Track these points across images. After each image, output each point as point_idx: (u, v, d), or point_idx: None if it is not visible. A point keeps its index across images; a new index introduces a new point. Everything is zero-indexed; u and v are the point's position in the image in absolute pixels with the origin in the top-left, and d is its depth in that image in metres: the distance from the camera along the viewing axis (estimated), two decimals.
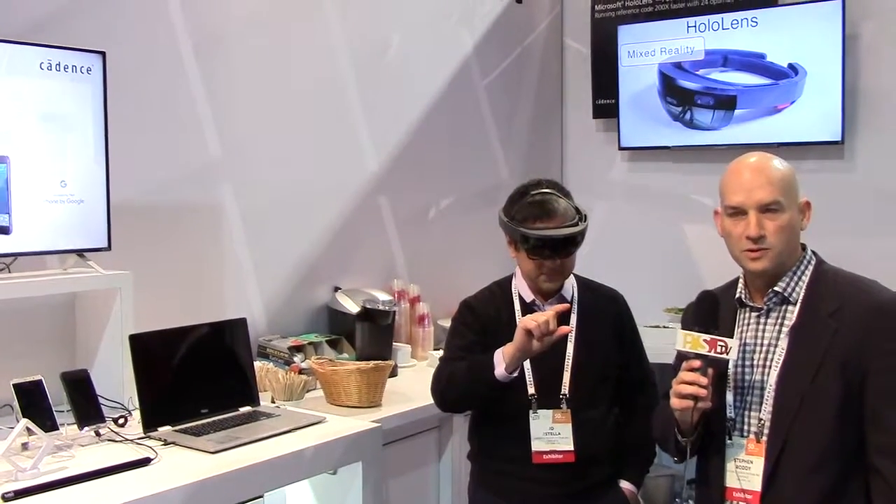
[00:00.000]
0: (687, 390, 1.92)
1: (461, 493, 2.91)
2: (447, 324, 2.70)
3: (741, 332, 2.04)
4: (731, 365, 2.01)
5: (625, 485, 2.49)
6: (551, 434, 2.38)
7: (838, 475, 1.89)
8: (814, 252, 2.05)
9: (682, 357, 1.98)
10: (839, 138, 3.92)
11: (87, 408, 2.38)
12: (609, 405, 2.50)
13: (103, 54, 2.64)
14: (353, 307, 3.46)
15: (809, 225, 2.03)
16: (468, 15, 4.33)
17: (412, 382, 3.26)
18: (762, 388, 1.97)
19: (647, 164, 4.60)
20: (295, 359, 3.22)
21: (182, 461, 2.23)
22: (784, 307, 1.99)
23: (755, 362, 2.00)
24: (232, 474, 2.17)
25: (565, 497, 2.40)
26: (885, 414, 1.87)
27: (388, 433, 2.77)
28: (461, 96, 4.28)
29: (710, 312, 2.00)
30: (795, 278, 1.99)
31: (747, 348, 2.01)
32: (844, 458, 1.89)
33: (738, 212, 1.97)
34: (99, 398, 2.44)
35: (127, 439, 2.36)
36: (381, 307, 3.42)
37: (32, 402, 2.26)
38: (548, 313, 2.20)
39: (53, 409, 2.30)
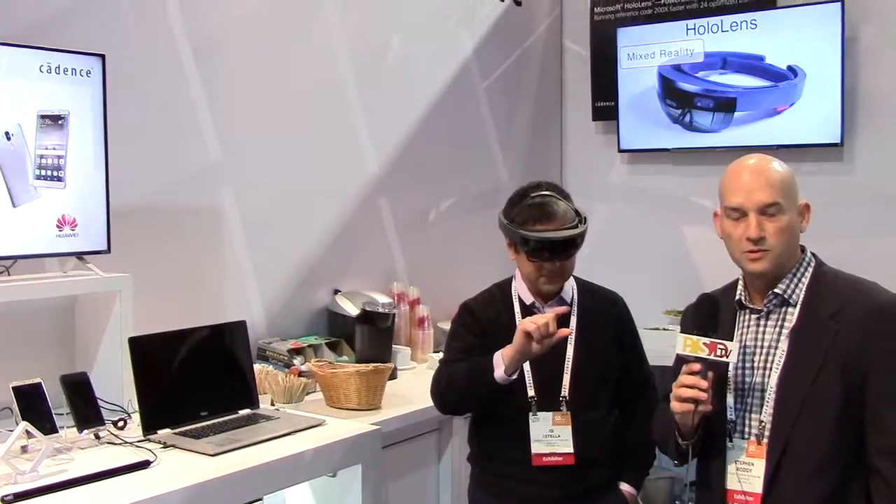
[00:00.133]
0: (687, 394, 1.92)
1: (461, 496, 2.91)
2: (447, 326, 2.70)
3: (741, 334, 2.04)
4: (731, 367, 2.01)
5: (625, 487, 2.48)
6: (551, 436, 2.38)
7: (839, 477, 1.89)
8: (813, 254, 2.05)
9: (681, 360, 1.98)
10: (838, 140, 3.93)
11: (87, 410, 2.38)
12: (609, 407, 2.50)
13: (103, 57, 2.64)
14: (352, 310, 3.46)
15: (809, 227, 2.03)
16: (468, 17, 4.34)
17: (412, 385, 3.26)
18: (763, 391, 1.97)
19: (646, 167, 4.61)
20: (294, 361, 3.22)
21: (181, 464, 2.23)
22: (784, 309, 1.99)
23: (755, 364, 2.00)
24: (231, 477, 2.17)
25: (565, 499, 2.39)
26: (886, 415, 1.87)
27: (388, 436, 2.77)
28: (461, 98, 4.29)
29: (710, 315, 2.00)
30: (795, 280, 1.99)
31: (747, 350, 2.01)
32: (845, 459, 1.89)
33: (738, 213, 1.97)
34: (98, 401, 2.44)
35: (126, 442, 2.36)
36: (380, 310, 3.42)
37: (32, 405, 2.26)
38: (547, 316, 2.20)
39: (53, 411, 2.31)
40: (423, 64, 4.09)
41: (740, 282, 2.08)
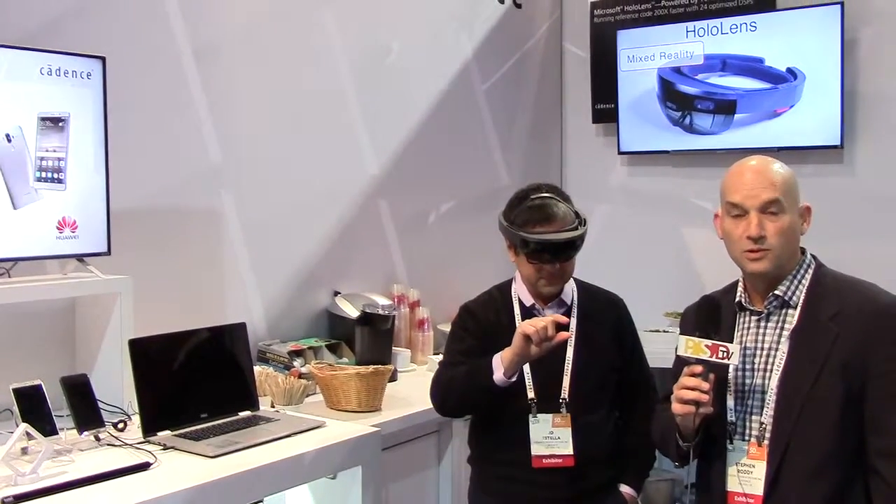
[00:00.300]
0: (689, 396, 1.92)
1: (461, 498, 2.90)
2: (447, 328, 2.71)
3: (741, 335, 2.04)
4: (731, 369, 2.01)
5: (625, 489, 2.48)
6: (551, 438, 2.38)
7: (840, 479, 1.89)
8: (813, 255, 2.05)
9: (681, 362, 1.98)
10: (838, 142, 3.93)
11: (87, 412, 2.38)
12: (609, 409, 2.50)
13: (103, 59, 2.65)
14: (352, 312, 3.47)
15: (809, 229, 2.03)
16: (468, 20, 4.34)
17: (412, 387, 3.26)
18: (763, 392, 1.97)
19: (646, 169, 4.61)
20: (294, 363, 3.22)
21: (181, 466, 2.23)
22: (784, 311, 1.99)
23: (756, 366, 2.00)
24: (231, 479, 2.17)
25: (565, 501, 2.39)
26: (886, 417, 1.87)
27: (388, 438, 2.77)
28: (461, 101, 4.29)
29: (711, 317, 2.00)
30: (795, 282, 1.99)
31: (748, 352, 2.01)
32: (846, 461, 1.89)
33: (738, 210, 1.97)
34: (98, 403, 2.44)
35: (126, 444, 2.36)
36: (380, 312, 3.42)
37: (32, 407, 2.26)
38: (546, 319, 2.20)
39: (53, 413, 2.31)
40: (423, 66, 4.09)
41: (740, 283, 2.08)
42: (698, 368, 1.93)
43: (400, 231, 3.96)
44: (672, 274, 4.26)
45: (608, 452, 2.45)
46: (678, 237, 4.47)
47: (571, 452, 2.37)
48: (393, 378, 3.20)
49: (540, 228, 2.36)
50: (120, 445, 2.35)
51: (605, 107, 4.64)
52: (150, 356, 2.50)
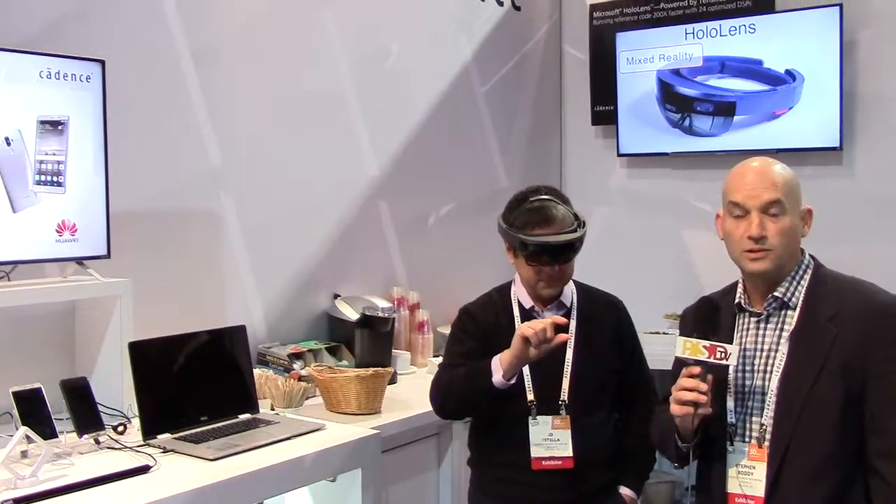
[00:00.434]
0: (687, 397, 1.92)
1: (461, 500, 2.90)
2: (447, 331, 2.71)
3: (741, 337, 2.04)
4: (731, 370, 2.01)
5: (625, 491, 2.48)
6: (550, 440, 2.38)
7: (841, 480, 1.89)
8: (812, 256, 2.05)
9: (680, 363, 1.98)
10: (837, 144, 3.93)
11: (87, 415, 2.38)
12: (609, 411, 2.50)
13: (102, 63, 2.65)
14: (352, 314, 3.47)
15: (810, 231, 2.03)
16: (467, 22, 4.34)
17: (411, 389, 3.26)
18: (763, 394, 1.97)
19: (645, 171, 4.61)
20: (294, 366, 3.21)
21: (181, 469, 2.22)
22: (784, 312, 2.00)
23: (756, 368, 2.00)
24: (231, 481, 2.16)
25: (565, 503, 2.39)
26: (885, 417, 1.88)
27: (388, 440, 2.77)
28: (460, 103, 4.29)
29: (709, 318, 2.00)
30: (795, 283, 1.99)
31: (747, 353, 2.02)
32: (847, 462, 1.90)
33: (740, 210, 1.97)
34: (98, 406, 2.44)
35: (126, 447, 2.35)
36: (380, 314, 3.42)
37: (32, 410, 2.26)
38: (545, 321, 2.21)
39: (53, 416, 2.30)
40: (423, 69, 4.10)
41: (739, 284, 2.08)
42: (696, 369, 1.93)
43: (400, 233, 3.97)
44: (672, 276, 4.26)
45: (608, 454, 2.45)
46: (678, 239, 4.47)
47: (571, 454, 2.37)
48: (393, 380, 3.20)
49: (539, 231, 2.36)
50: (120, 448, 2.35)
51: (605, 109, 4.65)
52: (149, 359, 2.50)
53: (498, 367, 2.26)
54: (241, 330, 2.77)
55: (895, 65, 3.93)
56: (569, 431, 2.38)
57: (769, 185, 1.96)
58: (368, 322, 3.36)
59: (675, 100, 4.33)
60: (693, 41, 4.26)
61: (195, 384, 2.60)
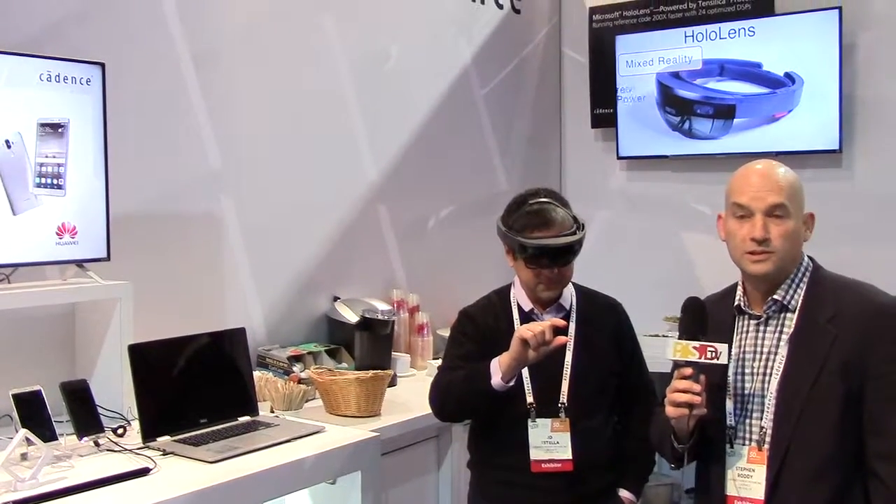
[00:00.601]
0: (681, 398, 1.92)
1: (461, 502, 2.91)
2: (446, 333, 2.71)
3: (740, 339, 2.04)
4: (730, 373, 2.02)
5: (624, 493, 2.48)
6: (550, 443, 2.38)
7: (841, 482, 1.90)
8: (811, 258, 2.05)
9: (677, 366, 1.99)
10: (837, 147, 3.93)
11: (87, 418, 2.38)
12: (608, 414, 2.50)
13: (103, 65, 2.65)
14: (352, 317, 3.47)
15: (812, 236, 2.04)
16: (467, 24, 4.35)
17: (411, 392, 3.26)
18: (763, 396, 1.97)
19: (645, 174, 4.62)
20: (294, 368, 3.22)
21: (181, 471, 2.22)
22: (783, 315, 2.00)
23: (755, 370, 2.00)
24: (231, 484, 2.16)
25: None
26: (885, 418, 1.88)
27: (388, 442, 2.77)
28: (460, 106, 4.30)
29: (697, 319, 2.00)
30: (794, 286, 2.00)
31: (746, 356, 2.02)
32: (846, 464, 1.90)
33: (744, 211, 1.97)
34: (98, 408, 2.44)
35: (126, 449, 2.35)
36: (380, 317, 3.42)
37: (31, 413, 2.26)
38: (544, 323, 2.21)
39: (52, 419, 2.30)
40: (423, 71, 4.10)
41: (739, 286, 2.08)
42: (688, 371, 1.93)
43: (399, 236, 3.97)
44: (671, 279, 4.26)
45: (607, 457, 2.45)
46: (677, 242, 4.47)
47: (570, 457, 2.37)
48: (392, 383, 3.20)
49: (538, 233, 2.36)
50: (119, 451, 2.35)
51: (604, 112, 4.65)
52: (149, 361, 2.50)
53: (497, 370, 2.26)
54: (240, 332, 2.77)
55: (894, 67, 3.93)
56: (568, 434, 2.38)
57: (774, 187, 1.96)
58: (368, 324, 3.37)
59: (675, 103, 4.33)
60: (692, 44, 4.27)
61: (195, 386, 2.60)
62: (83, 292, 2.63)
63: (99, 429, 2.39)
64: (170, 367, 2.56)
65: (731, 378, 2.02)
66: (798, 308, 1.98)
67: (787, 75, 4.02)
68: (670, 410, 1.95)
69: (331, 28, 3.65)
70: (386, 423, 2.87)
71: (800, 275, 2.01)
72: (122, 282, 2.68)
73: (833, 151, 3.96)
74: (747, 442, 1.99)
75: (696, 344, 1.93)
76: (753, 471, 1.96)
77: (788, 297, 1.99)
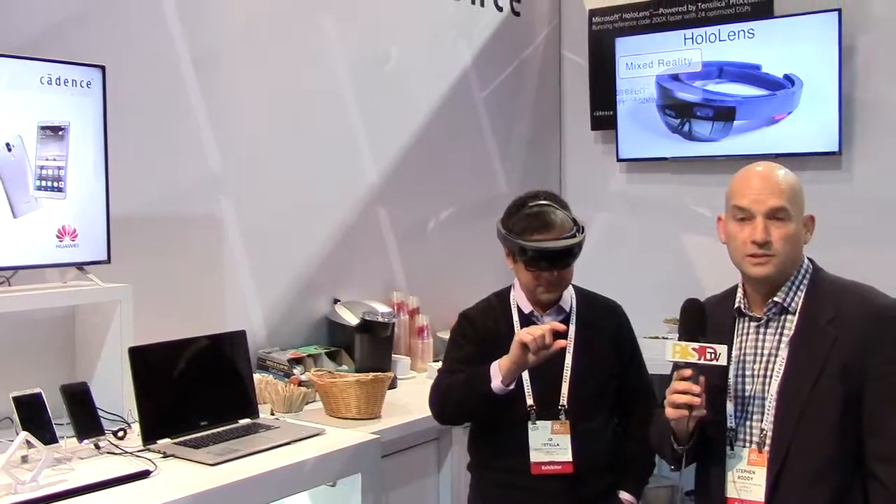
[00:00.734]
0: (681, 400, 1.92)
1: None
2: (446, 335, 2.71)
3: (740, 341, 2.04)
4: (730, 375, 2.02)
5: (624, 496, 2.48)
6: (550, 445, 2.38)
7: (841, 484, 1.90)
8: (811, 260, 2.05)
9: (676, 368, 1.99)
10: (836, 149, 3.94)
11: (87, 420, 2.38)
12: (608, 416, 2.50)
13: (103, 68, 2.66)
14: (352, 319, 3.47)
15: (812, 238, 2.04)
16: (466, 27, 4.35)
17: (411, 394, 3.26)
18: (763, 399, 1.97)
19: (645, 176, 4.62)
20: (294, 371, 3.22)
21: (181, 473, 2.23)
22: (783, 317, 2.00)
23: (755, 373, 2.01)
24: (231, 486, 2.17)
25: None
26: (884, 420, 1.88)
27: (388, 445, 2.77)
28: (460, 108, 4.30)
29: (696, 320, 2.00)
30: (794, 288, 2.00)
31: (747, 358, 2.02)
32: (847, 466, 1.90)
33: (745, 214, 1.98)
34: (98, 411, 2.44)
35: (126, 452, 2.36)
36: (380, 319, 3.43)
37: (32, 415, 2.26)
38: (544, 327, 2.21)
39: (53, 421, 2.31)
40: (422, 74, 4.10)
41: (739, 289, 2.08)
42: (688, 372, 1.93)
43: (399, 238, 3.97)
44: (671, 281, 4.26)
45: (607, 459, 2.46)
46: (677, 244, 4.47)
47: (570, 459, 2.38)
48: (392, 385, 3.20)
49: (538, 236, 2.36)
50: (120, 453, 2.35)
51: (604, 114, 4.65)
52: (149, 364, 2.50)
53: (497, 373, 2.27)
54: (241, 335, 2.77)
55: (894, 69, 3.94)
56: (568, 436, 2.39)
57: (775, 190, 1.96)
58: (368, 327, 3.37)
59: (675, 105, 4.33)
60: (692, 46, 4.27)
61: (195, 389, 2.60)
62: (83, 295, 2.63)
63: (99, 431, 2.39)
64: (170, 369, 2.56)
65: (731, 380, 2.02)
66: (798, 310, 1.98)
67: (787, 77, 4.02)
68: (670, 412, 1.95)
69: (331, 30, 3.66)
70: (386, 426, 2.87)
71: (800, 277, 2.01)
72: (123, 284, 2.68)
73: (832, 153, 3.96)
74: (747, 444, 1.99)
75: (696, 345, 1.93)
76: (753, 473, 1.96)
77: (789, 300, 1.99)
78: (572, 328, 2.46)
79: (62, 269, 2.67)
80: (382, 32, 3.90)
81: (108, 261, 2.68)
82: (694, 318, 2.00)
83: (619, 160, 4.58)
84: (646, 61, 4.40)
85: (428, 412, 2.53)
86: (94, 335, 2.71)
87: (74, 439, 2.35)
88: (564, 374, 2.42)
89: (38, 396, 2.31)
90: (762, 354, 2.01)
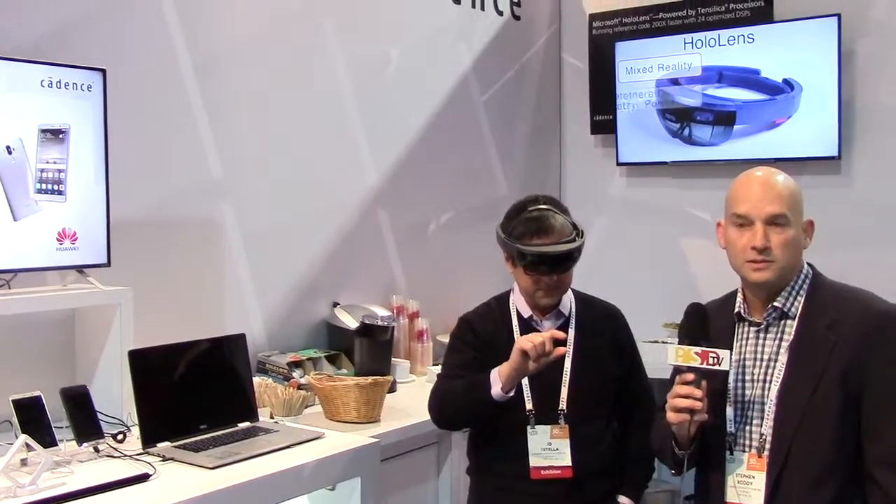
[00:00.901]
0: (682, 404, 1.92)
1: None
2: (446, 339, 2.71)
3: (740, 346, 2.05)
4: (730, 380, 2.02)
5: (623, 500, 2.48)
6: (549, 450, 2.38)
7: (840, 488, 1.90)
8: (810, 265, 2.06)
9: (678, 371, 1.99)
10: (836, 153, 3.94)
11: (87, 423, 2.38)
12: (607, 420, 2.50)
13: (104, 72, 2.66)
14: (351, 322, 3.47)
15: (811, 243, 2.04)
16: (467, 31, 4.36)
17: (411, 398, 3.26)
18: (762, 403, 1.98)
19: (645, 180, 4.62)
20: (294, 374, 3.22)
21: (181, 477, 2.23)
22: (783, 322, 2.00)
23: (755, 377, 2.01)
24: (231, 490, 2.17)
25: None
26: (883, 424, 1.88)
27: (387, 449, 2.76)
28: (460, 112, 4.30)
29: (699, 325, 2.00)
30: (794, 293, 2.00)
31: (746, 363, 2.02)
32: (846, 470, 1.90)
33: (744, 220, 1.98)
34: (98, 414, 2.44)
35: (126, 455, 2.36)
36: (379, 322, 3.42)
37: (31, 418, 2.26)
38: (544, 335, 2.21)
39: (52, 424, 2.31)
40: (423, 78, 4.11)
41: (739, 293, 2.08)
42: (690, 376, 1.94)
43: (399, 242, 3.97)
44: (671, 285, 4.26)
45: (606, 463, 2.45)
46: (677, 248, 4.47)
47: (570, 464, 2.38)
48: (392, 389, 3.20)
49: (537, 240, 2.37)
50: (119, 457, 2.35)
51: (604, 118, 4.65)
52: (149, 367, 2.50)
53: (497, 380, 2.26)
54: (240, 338, 2.77)
55: (893, 74, 3.94)
56: (567, 441, 2.39)
57: (775, 197, 1.96)
58: (368, 330, 3.37)
59: (675, 109, 4.34)
60: (692, 51, 4.28)
61: (195, 392, 2.60)
62: (83, 298, 2.63)
63: (99, 434, 2.39)
64: (170, 372, 2.56)
65: (730, 385, 2.03)
66: (798, 315, 1.98)
67: (786, 82, 4.03)
68: (671, 416, 1.95)
69: (331, 34, 3.66)
70: (385, 430, 2.87)
71: (800, 282, 2.01)
72: (123, 287, 2.68)
73: (832, 158, 3.97)
74: (747, 449, 1.99)
75: (699, 349, 1.93)
76: (753, 477, 1.96)
77: (788, 305, 1.99)
78: (571, 333, 2.46)
79: (62, 272, 2.67)
80: (383, 36, 3.91)
81: (108, 264, 2.68)
82: (697, 323, 2.00)
83: (618, 164, 4.58)
84: (646, 66, 4.40)
85: (427, 416, 2.53)
86: (94, 338, 2.71)
87: (74, 442, 2.35)
88: (564, 378, 2.42)
89: (37, 399, 2.31)
90: (762, 359, 2.01)
